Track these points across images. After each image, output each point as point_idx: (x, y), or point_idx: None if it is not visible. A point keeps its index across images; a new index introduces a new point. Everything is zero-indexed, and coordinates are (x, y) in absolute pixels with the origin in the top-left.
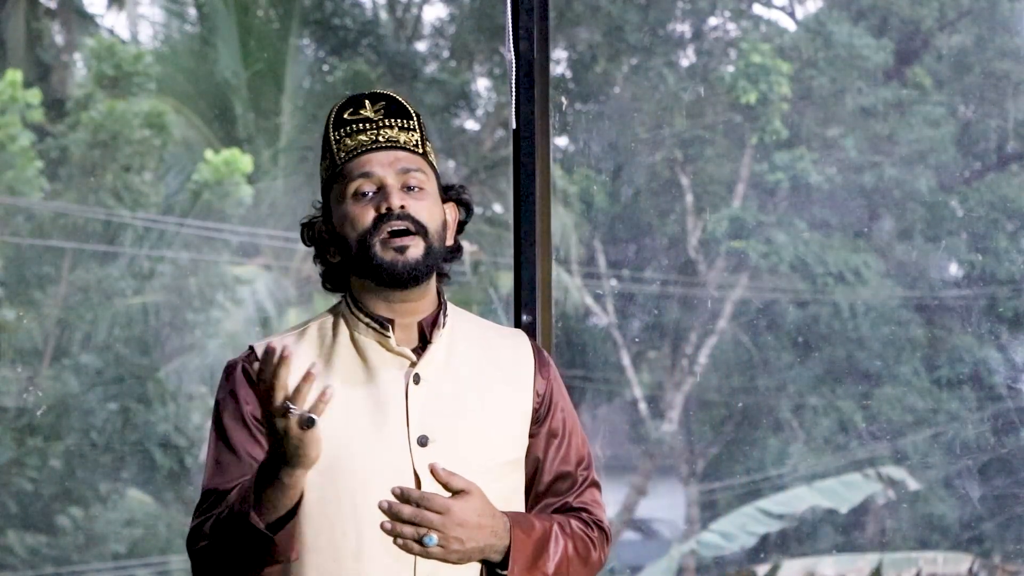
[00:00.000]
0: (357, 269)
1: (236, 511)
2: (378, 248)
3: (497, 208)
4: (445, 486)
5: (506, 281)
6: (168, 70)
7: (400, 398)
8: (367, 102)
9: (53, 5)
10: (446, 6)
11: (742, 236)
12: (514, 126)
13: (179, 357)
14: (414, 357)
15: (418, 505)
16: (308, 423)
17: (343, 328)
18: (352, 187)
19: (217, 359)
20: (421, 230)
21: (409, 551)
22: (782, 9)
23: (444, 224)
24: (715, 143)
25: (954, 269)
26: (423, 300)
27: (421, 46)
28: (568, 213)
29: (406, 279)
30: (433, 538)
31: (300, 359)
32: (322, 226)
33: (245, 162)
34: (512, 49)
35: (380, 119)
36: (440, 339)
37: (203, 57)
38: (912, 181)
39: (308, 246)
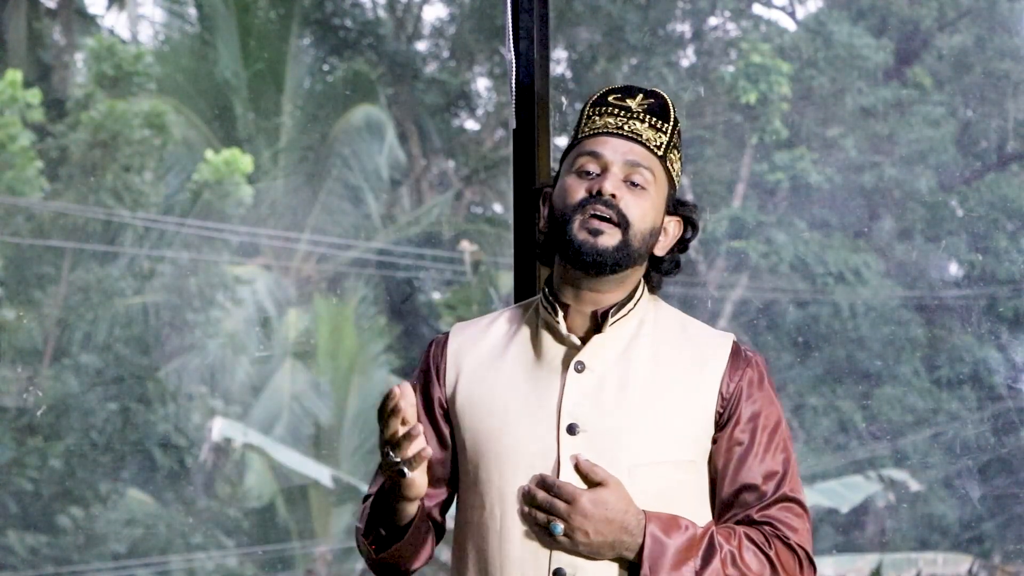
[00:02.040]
0: (554, 241)
1: (357, 525)
2: (576, 225)
3: (497, 208)
4: (584, 478)
5: (506, 281)
6: (168, 70)
7: (558, 384)
8: (640, 95)
9: (53, 5)
10: (446, 6)
11: (742, 236)
12: (514, 126)
13: (179, 357)
14: (579, 343)
15: (550, 492)
16: (400, 473)
17: (533, 313)
18: (579, 162)
19: (217, 359)
20: (624, 223)
21: (542, 538)
22: (782, 9)
23: (656, 231)
24: (715, 143)
25: (954, 269)
26: (609, 292)
27: (421, 46)
28: None
29: (590, 263)
30: (559, 527)
31: (484, 342)
32: (547, 193)
33: (245, 162)
34: (512, 49)
35: (638, 112)
36: (615, 329)
37: (203, 57)
38: (912, 181)
39: (533, 212)
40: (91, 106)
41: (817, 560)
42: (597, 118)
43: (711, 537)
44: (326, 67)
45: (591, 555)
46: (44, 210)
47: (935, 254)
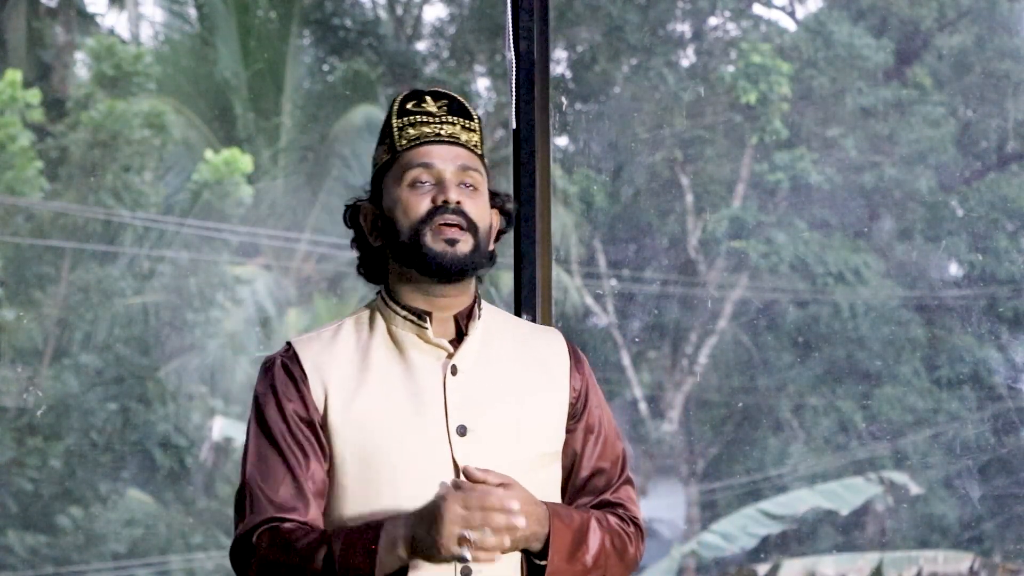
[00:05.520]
0: (402, 256)
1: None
2: (429, 238)
3: None
4: (483, 483)
5: (506, 281)
6: (168, 70)
7: (438, 389)
8: (429, 98)
9: (53, 5)
10: (446, 6)
11: (742, 236)
12: (514, 126)
13: (179, 357)
14: (451, 348)
15: (482, 499)
16: (460, 559)
17: (379, 322)
18: (410, 175)
19: (217, 359)
20: (472, 228)
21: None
22: (782, 9)
23: (491, 228)
24: (715, 143)
25: (954, 269)
26: (460, 296)
27: (421, 46)
28: (568, 213)
29: (452, 271)
30: (520, 520)
31: (339, 355)
32: (369, 208)
33: (245, 162)
34: (512, 49)
35: (443, 115)
36: (475, 332)
37: (203, 57)
38: (912, 181)
39: (349, 227)
40: (91, 106)
41: (817, 560)
42: (410, 128)
43: (593, 524)
44: (326, 67)
45: (513, 547)
46: (44, 210)
47: (935, 254)
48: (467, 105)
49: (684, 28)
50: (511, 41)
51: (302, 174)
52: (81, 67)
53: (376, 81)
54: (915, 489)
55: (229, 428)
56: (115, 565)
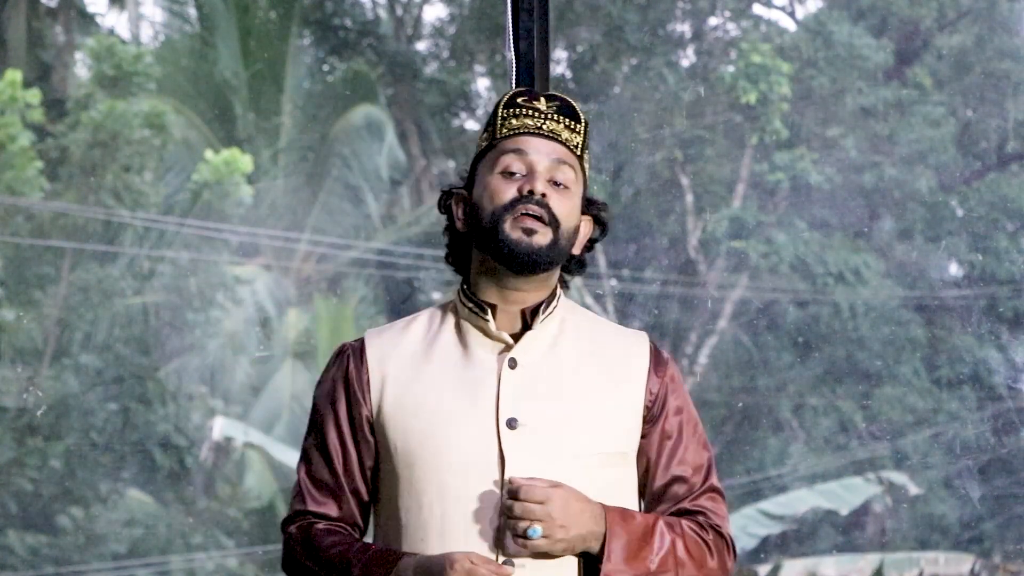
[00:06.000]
0: (482, 242)
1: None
2: (508, 224)
3: None
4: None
5: None
6: (168, 70)
7: (493, 381)
8: (542, 98)
9: (53, 5)
10: (446, 6)
11: (742, 236)
12: None
13: (179, 357)
14: (511, 341)
15: (515, 497)
16: None
17: (451, 315)
18: (503, 161)
19: (217, 359)
20: (554, 222)
21: (488, 536)
22: (782, 9)
23: (577, 230)
24: (715, 143)
25: (954, 269)
26: (535, 291)
27: (421, 46)
28: None
29: (524, 262)
30: (537, 530)
31: (405, 347)
32: (461, 195)
33: (245, 162)
34: (512, 49)
35: (549, 113)
36: (543, 327)
37: (203, 57)
38: (912, 181)
39: (442, 213)
40: (91, 106)
41: (818, 560)
42: (513, 119)
43: (660, 526)
44: (326, 67)
45: (565, 550)
46: (44, 210)
47: (935, 254)
48: (577, 109)
49: (684, 28)
50: (511, 41)
51: (302, 174)
52: (81, 67)
53: (376, 81)
54: (915, 489)
55: (229, 428)
56: (115, 565)
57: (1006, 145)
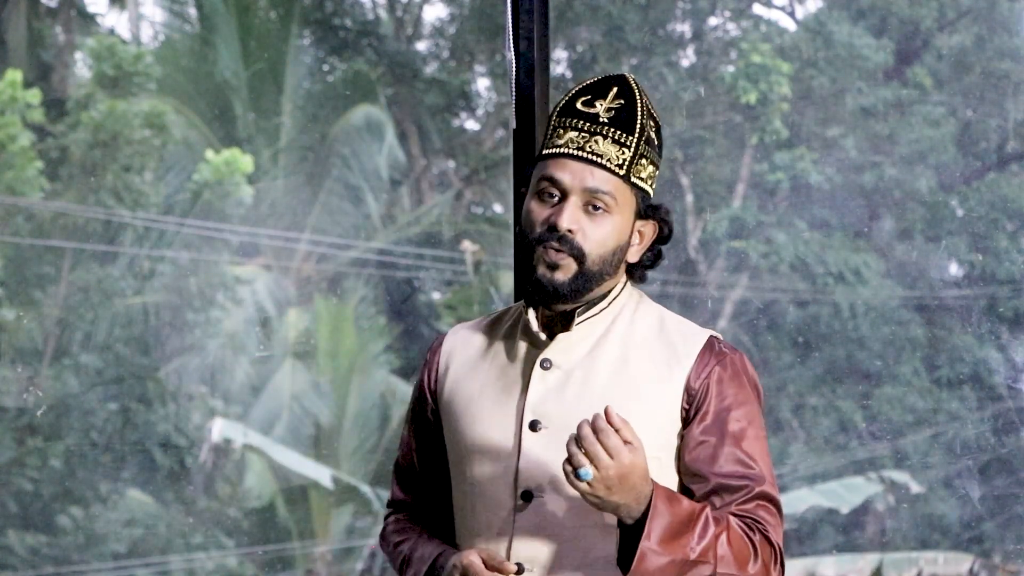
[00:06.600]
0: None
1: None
2: (535, 256)
3: (497, 208)
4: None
5: (506, 281)
6: (168, 70)
7: (524, 381)
8: (611, 94)
9: (54, 5)
10: (446, 6)
11: (742, 236)
12: (514, 126)
13: (179, 357)
14: (547, 341)
15: (599, 436)
16: None
17: (520, 310)
18: (541, 183)
19: (217, 359)
20: (579, 255)
21: (506, 530)
22: (782, 9)
23: (622, 246)
24: (715, 143)
25: (954, 269)
26: (587, 293)
27: (421, 46)
28: None
29: (546, 296)
30: (589, 473)
31: (473, 341)
32: (524, 194)
33: (245, 162)
34: (512, 49)
35: (602, 124)
36: (584, 328)
37: (203, 57)
38: (912, 181)
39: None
40: (91, 106)
41: (817, 560)
42: (562, 131)
43: (707, 515)
44: (326, 67)
45: (594, 505)
46: (44, 210)
47: (935, 254)
48: (639, 114)
49: (684, 28)
50: (511, 41)
51: (302, 174)
52: (81, 67)
53: (376, 81)
54: (915, 489)
55: (229, 428)
56: (115, 565)
57: (1006, 145)
